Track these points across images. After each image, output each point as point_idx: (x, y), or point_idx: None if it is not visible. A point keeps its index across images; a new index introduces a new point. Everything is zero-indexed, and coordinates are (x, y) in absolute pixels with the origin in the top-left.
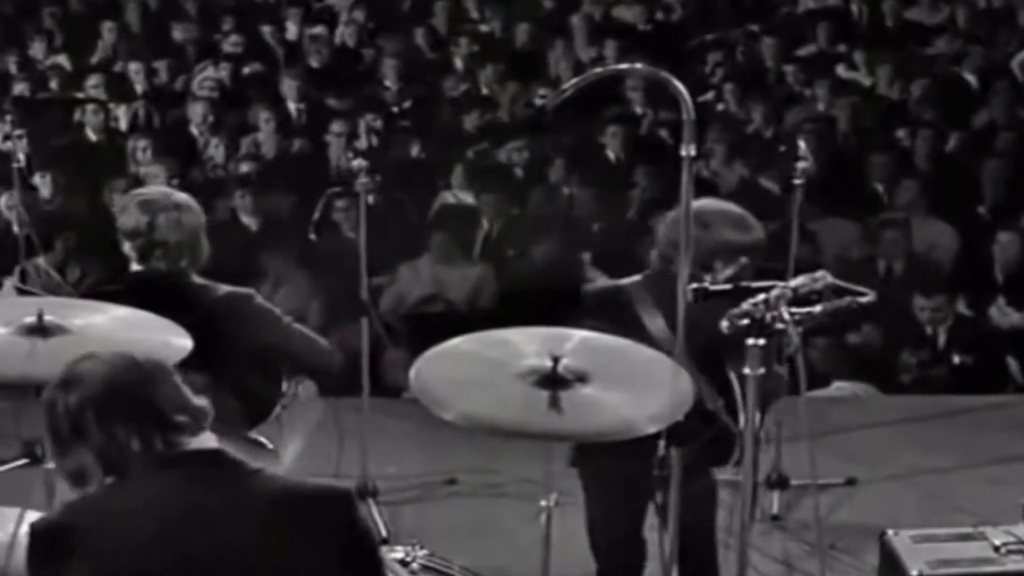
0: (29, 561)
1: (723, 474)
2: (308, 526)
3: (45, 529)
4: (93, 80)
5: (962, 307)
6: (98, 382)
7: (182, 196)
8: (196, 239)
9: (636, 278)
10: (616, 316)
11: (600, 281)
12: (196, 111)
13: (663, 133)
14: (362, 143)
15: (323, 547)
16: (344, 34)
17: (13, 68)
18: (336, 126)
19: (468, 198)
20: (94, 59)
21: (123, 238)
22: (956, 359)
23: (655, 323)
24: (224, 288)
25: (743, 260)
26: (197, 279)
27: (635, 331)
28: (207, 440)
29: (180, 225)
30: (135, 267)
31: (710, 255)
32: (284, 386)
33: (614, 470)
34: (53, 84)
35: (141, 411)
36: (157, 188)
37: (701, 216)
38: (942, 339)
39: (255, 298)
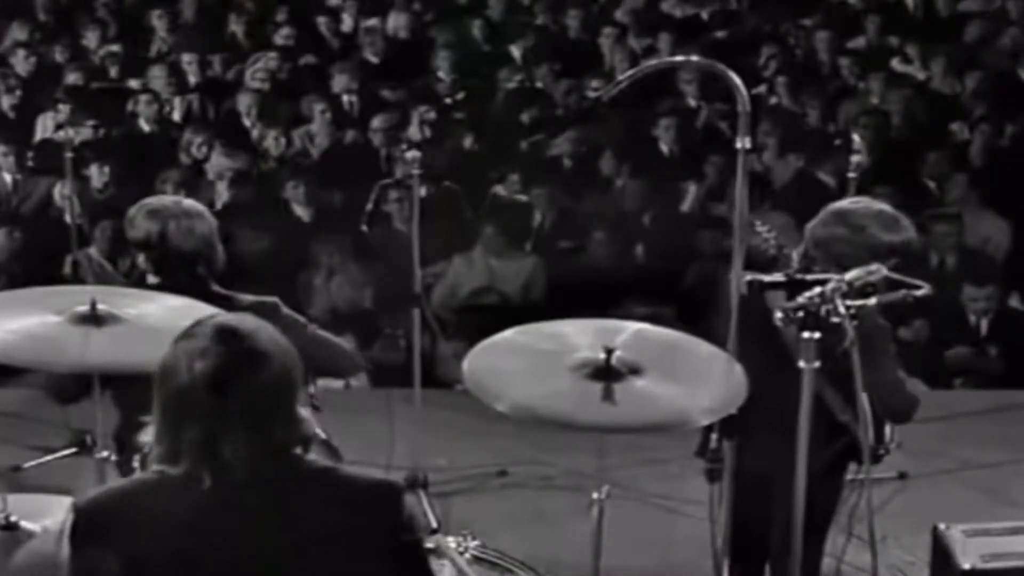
0: (70, 539)
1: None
2: (355, 517)
3: (86, 509)
4: (155, 71)
5: (1016, 302)
6: (220, 371)
7: (191, 203)
8: (210, 246)
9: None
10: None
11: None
12: (245, 102)
13: (721, 125)
14: (415, 135)
15: (368, 539)
16: (397, 25)
17: (61, 58)
18: (388, 118)
19: (519, 191)
20: (151, 51)
21: (135, 250)
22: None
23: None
24: (247, 298)
25: (892, 261)
26: (218, 289)
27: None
28: None
29: (192, 233)
30: (151, 279)
31: (858, 257)
32: (310, 389)
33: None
34: (113, 72)
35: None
36: (166, 196)
37: (853, 217)
38: (984, 330)
39: (280, 307)
